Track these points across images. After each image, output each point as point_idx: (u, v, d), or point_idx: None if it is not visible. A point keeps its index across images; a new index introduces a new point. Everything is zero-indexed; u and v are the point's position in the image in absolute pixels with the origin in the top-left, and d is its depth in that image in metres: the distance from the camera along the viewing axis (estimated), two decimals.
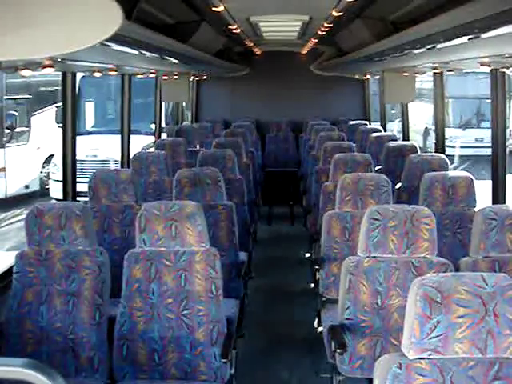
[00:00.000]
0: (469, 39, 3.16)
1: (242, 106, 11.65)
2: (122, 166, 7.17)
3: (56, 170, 11.51)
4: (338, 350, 3.46)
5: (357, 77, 11.06)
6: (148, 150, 8.72)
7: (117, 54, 3.98)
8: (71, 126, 5.26)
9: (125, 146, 7.17)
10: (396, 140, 8.18)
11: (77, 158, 5.45)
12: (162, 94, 8.62)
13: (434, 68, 6.15)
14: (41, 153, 13.28)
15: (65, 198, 5.37)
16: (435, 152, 7.02)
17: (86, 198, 5.08)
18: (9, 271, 3.96)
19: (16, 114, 12.83)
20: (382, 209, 3.67)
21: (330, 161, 6.15)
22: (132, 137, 7.33)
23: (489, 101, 5.45)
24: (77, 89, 5.70)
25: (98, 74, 5.53)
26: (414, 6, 4.76)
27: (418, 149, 7.21)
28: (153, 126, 9.41)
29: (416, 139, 14.83)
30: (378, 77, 8.34)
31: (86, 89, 12.95)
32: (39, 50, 1.68)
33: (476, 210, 4.62)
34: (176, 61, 5.99)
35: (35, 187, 13.09)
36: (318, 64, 11.11)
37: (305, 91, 11.56)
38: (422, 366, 2.27)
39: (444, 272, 3.44)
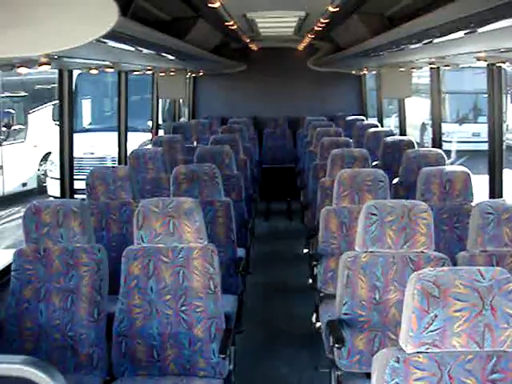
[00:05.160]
0: (465, 34, 3.17)
1: (238, 103, 11.64)
2: (119, 163, 7.17)
3: (53, 168, 11.48)
4: (336, 345, 3.46)
5: (354, 72, 11.05)
6: (145, 147, 8.70)
7: (113, 50, 3.98)
8: (68, 124, 5.25)
9: (122, 143, 7.16)
10: (393, 135, 8.18)
11: (74, 155, 5.45)
12: (158, 91, 8.61)
13: (431, 63, 6.15)
14: (38, 150, 13.25)
15: (62, 195, 5.36)
16: (432, 147, 7.02)
17: (84, 196, 5.08)
18: (7, 269, 3.96)
19: (13, 111, 12.80)
20: (379, 204, 3.67)
21: (327, 156, 6.15)
22: (129, 134, 7.32)
23: (486, 96, 5.45)
24: (74, 86, 5.70)
25: (94, 71, 5.51)
26: (410, 0, 4.76)
27: (415, 144, 7.21)
28: (150, 123, 9.40)
29: (413, 134, 14.81)
30: (374, 72, 8.33)
31: (82, 86, 12.92)
32: (35, 47, 1.68)
33: (473, 204, 4.63)
34: (172, 57, 5.98)
35: (33, 185, 13.07)
36: (315, 60, 11.10)
37: (302, 87, 11.54)
38: (419, 360, 2.27)
39: (441, 266, 3.45)
